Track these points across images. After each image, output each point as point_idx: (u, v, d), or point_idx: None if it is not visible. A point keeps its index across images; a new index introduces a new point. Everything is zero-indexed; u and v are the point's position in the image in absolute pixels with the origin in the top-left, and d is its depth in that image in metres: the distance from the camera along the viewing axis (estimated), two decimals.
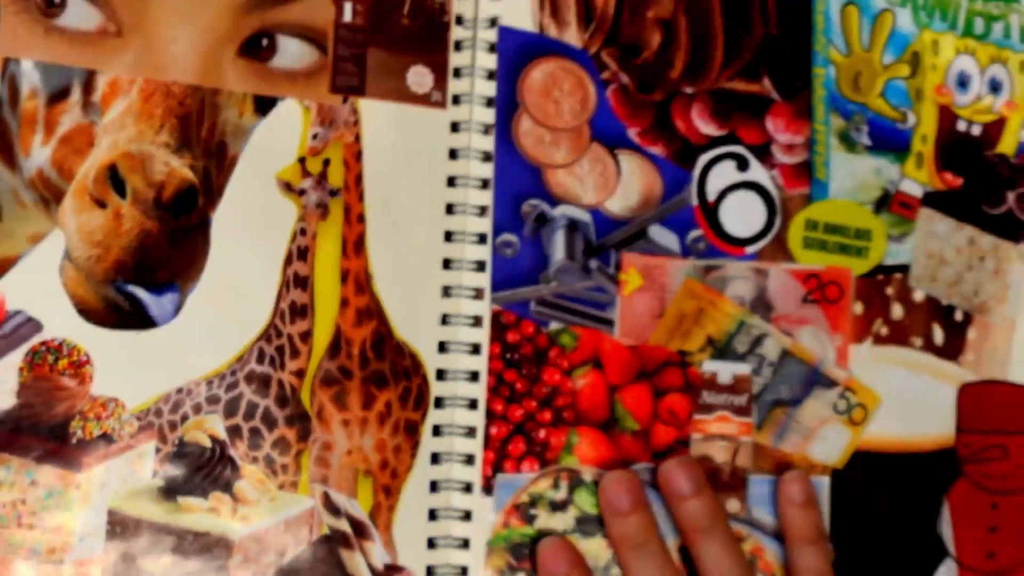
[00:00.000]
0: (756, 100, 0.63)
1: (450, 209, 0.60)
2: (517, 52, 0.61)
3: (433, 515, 0.59)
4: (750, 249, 0.63)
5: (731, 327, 0.62)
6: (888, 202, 0.65)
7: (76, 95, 0.55)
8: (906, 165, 0.65)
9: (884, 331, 0.64)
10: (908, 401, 0.64)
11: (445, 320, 0.60)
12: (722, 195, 0.63)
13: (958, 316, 0.65)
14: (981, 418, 0.65)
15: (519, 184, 0.61)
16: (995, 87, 0.66)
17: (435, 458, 0.59)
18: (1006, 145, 0.66)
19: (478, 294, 0.60)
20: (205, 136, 0.56)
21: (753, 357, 0.62)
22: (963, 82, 0.66)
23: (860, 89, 0.64)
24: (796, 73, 0.64)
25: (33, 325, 0.54)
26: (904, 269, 0.65)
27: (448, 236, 0.60)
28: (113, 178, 0.54)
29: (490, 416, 0.60)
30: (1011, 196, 0.66)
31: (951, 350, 0.65)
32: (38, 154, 0.54)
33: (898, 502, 0.64)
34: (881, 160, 0.65)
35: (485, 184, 0.60)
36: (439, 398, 0.59)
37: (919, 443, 0.64)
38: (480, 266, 0.60)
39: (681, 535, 0.59)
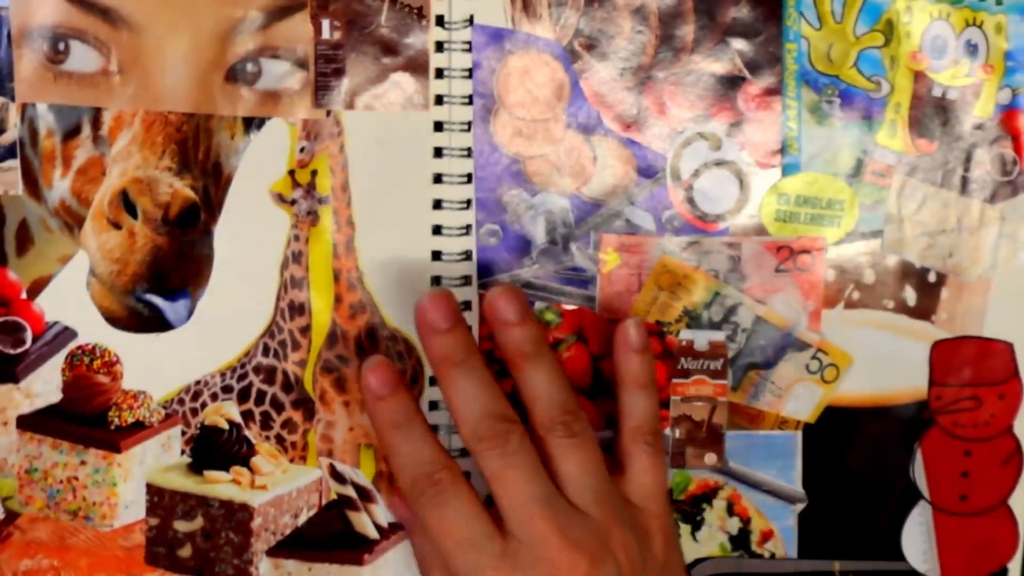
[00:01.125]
0: (727, 79, 0.64)
1: (438, 205, 0.64)
2: (492, 48, 0.63)
3: None
4: (723, 225, 0.65)
5: (706, 298, 0.65)
6: (862, 171, 0.65)
7: (86, 131, 0.61)
8: (879, 134, 0.65)
9: (856, 295, 0.66)
10: (880, 359, 0.66)
11: None
12: (695, 174, 0.65)
13: (931, 277, 0.67)
14: (954, 372, 0.67)
15: (500, 175, 0.64)
16: (971, 50, 0.65)
17: (434, 429, 0.65)
18: (982, 108, 0.66)
19: (466, 281, 0.65)
20: (202, 158, 0.62)
21: (728, 325, 0.65)
22: (939, 47, 0.65)
23: (833, 61, 0.64)
24: (767, 50, 0.64)
25: (69, 333, 0.62)
26: (878, 235, 0.66)
27: (437, 230, 0.64)
28: (125, 202, 0.61)
29: None
30: (985, 158, 0.66)
31: (923, 310, 0.67)
32: (59, 186, 0.62)
33: (871, 451, 0.67)
34: (854, 130, 0.65)
35: (468, 178, 0.64)
36: (434, 377, 0.65)
37: (891, 397, 0.67)
38: (467, 255, 0.65)
39: (506, 363, 0.61)
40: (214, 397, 0.64)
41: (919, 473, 0.68)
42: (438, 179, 0.64)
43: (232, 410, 0.64)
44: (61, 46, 0.60)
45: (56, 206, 0.62)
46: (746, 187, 0.65)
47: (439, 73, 0.63)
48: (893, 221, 0.66)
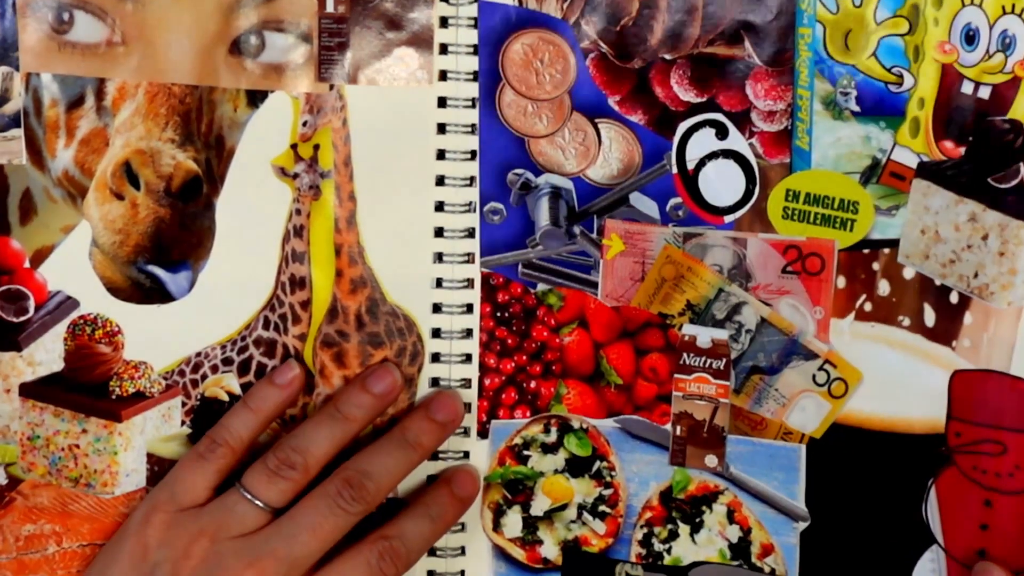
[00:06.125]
0: (737, 65, 0.60)
1: (441, 181, 0.61)
2: (498, 25, 0.60)
3: (434, 455, 0.63)
4: (728, 218, 0.61)
5: (710, 294, 0.61)
6: (878, 172, 0.58)
7: (90, 101, 0.59)
8: (899, 132, 0.58)
9: (868, 307, 0.60)
10: (894, 380, 0.60)
11: (439, 283, 0.62)
12: (701, 163, 0.60)
13: (953, 298, 0.59)
14: (976, 408, 0.59)
15: (504, 154, 0.61)
16: (1007, 43, 0.57)
17: None
18: (1019, 110, 0.57)
19: (469, 258, 0.62)
20: (205, 130, 0.59)
21: (731, 324, 0.61)
22: (970, 37, 0.57)
23: (850, 49, 0.58)
24: (779, 34, 0.59)
25: (72, 303, 0.60)
26: (894, 244, 0.59)
27: (439, 206, 0.61)
28: (128, 173, 0.59)
29: (483, 369, 0.63)
30: (1021, 168, 0.57)
31: (944, 333, 0.59)
32: (62, 156, 0.59)
33: (880, 480, 0.61)
34: (871, 127, 0.58)
35: (472, 155, 0.61)
36: (436, 354, 0.62)
37: (906, 424, 0.60)
38: (470, 233, 0.62)
39: None
40: (214, 369, 0.61)
41: (933, 515, 0.60)
42: (441, 155, 0.61)
43: (232, 382, 0.61)
44: (66, 16, 0.58)
45: (59, 176, 0.60)
46: (752, 180, 0.60)
47: (443, 49, 0.60)
48: (911, 230, 0.59)
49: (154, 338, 0.61)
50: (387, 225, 0.61)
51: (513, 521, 0.63)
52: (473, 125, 0.61)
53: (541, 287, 0.62)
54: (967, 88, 0.57)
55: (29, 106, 0.59)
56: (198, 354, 0.61)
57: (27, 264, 0.60)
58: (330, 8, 0.59)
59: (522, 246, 0.62)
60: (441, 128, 0.61)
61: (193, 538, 0.56)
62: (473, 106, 0.61)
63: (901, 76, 0.58)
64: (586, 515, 0.63)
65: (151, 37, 0.58)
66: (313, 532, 0.56)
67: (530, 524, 0.63)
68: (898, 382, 0.60)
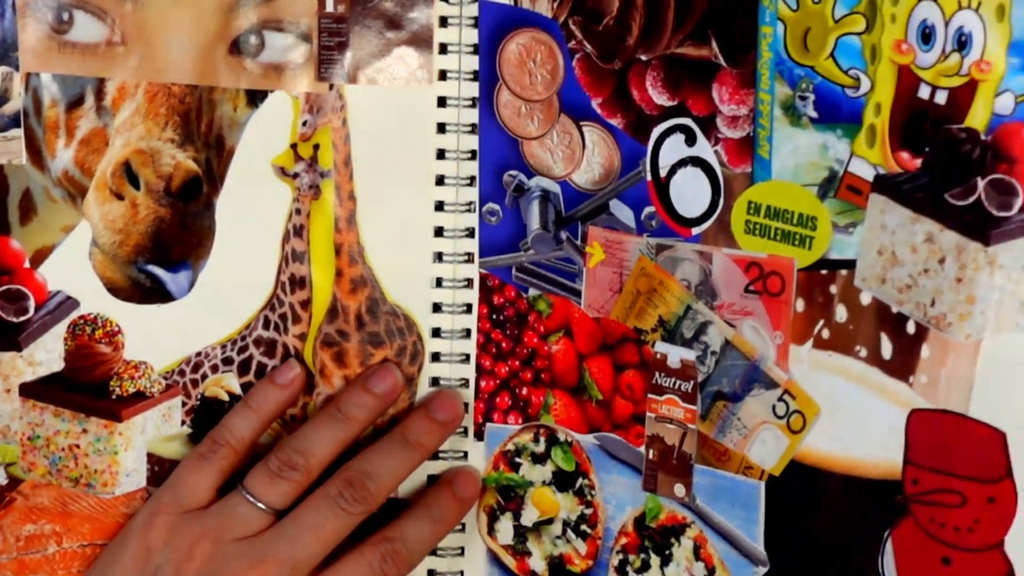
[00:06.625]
0: (704, 66, 0.57)
1: (440, 180, 0.62)
2: (496, 25, 0.60)
3: (434, 455, 0.63)
4: (696, 230, 0.58)
5: (679, 310, 0.59)
6: (835, 185, 0.52)
7: (90, 101, 0.59)
8: (856, 141, 0.52)
9: (826, 334, 0.55)
10: (850, 417, 0.55)
11: (439, 283, 0.62)
12: (672, 171, 0.58)
13: (910, 328, 0.52)
14: (933, 453, 0.52)
15: (501, 155, 0.61)
16: (963, 41, 0.50)
17: None
18: (976, 117, 0.50)
19: (469, 258, 0.62)
20: (205, 130, 0.59)
21: (698, 344, 0.59)
22: (926, 35, 0.51)
23: (809, 50, 0.53)
24: (743, 33, 0.55)
25: (72, 303, 0.60)
26: (852, 265, 0.53)
27: (439, 206, 0.62)
28: (128, 173, 0.59)
29: (479, 370, 0.63)
30: (981, 184, 0.49)
31: (901, 367, 0.53)
32: (62, 156, 0.59)
33: (837, 525, 0.57)
34: (828, 135, 0.52)
35: (472, 155, 0.62)
36: (436, 353, 0.63)
37: (861, 466, 0.55)
38: (470, 232, 0.62)
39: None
40: (214, 369, 0.61)
41: (889, 569, 0.54)
42: (441, 155, 0.61)
43: (232, 382, 0.61)
44: (65, 16, 0.58)
45: (59, 176, 0.59)
46: (718, 190, 0.57)
47: (443, 48, 0.61)
48: (868, 250, 0.52)
49: (154, 338, 0.61)
50: (387, 225, 0.61)
51: (505, 528, 0.63)
52: (473, 125, 0.61)
53: (532, 292, 0.62)
54: (924, 92, 0.51)
55: (29, 106, 0.59)
56: (198, 354, 0.61)
57: (27, 264, 0.60)
58: (330, 8, 0.59)
59: (516, 249, 0.62)
60: (441, 128, 0.61)
61: (196, 540, 0.56)
62: (473, 106, 0.61)
63: (858, 79, 0.52)
64: (569, 532, 0.62)
65: (151, 37, 0.58)
66: (315, 533, 0.56)
67: (520, 533, 0.63)
68: (855, 419, 0.55)
